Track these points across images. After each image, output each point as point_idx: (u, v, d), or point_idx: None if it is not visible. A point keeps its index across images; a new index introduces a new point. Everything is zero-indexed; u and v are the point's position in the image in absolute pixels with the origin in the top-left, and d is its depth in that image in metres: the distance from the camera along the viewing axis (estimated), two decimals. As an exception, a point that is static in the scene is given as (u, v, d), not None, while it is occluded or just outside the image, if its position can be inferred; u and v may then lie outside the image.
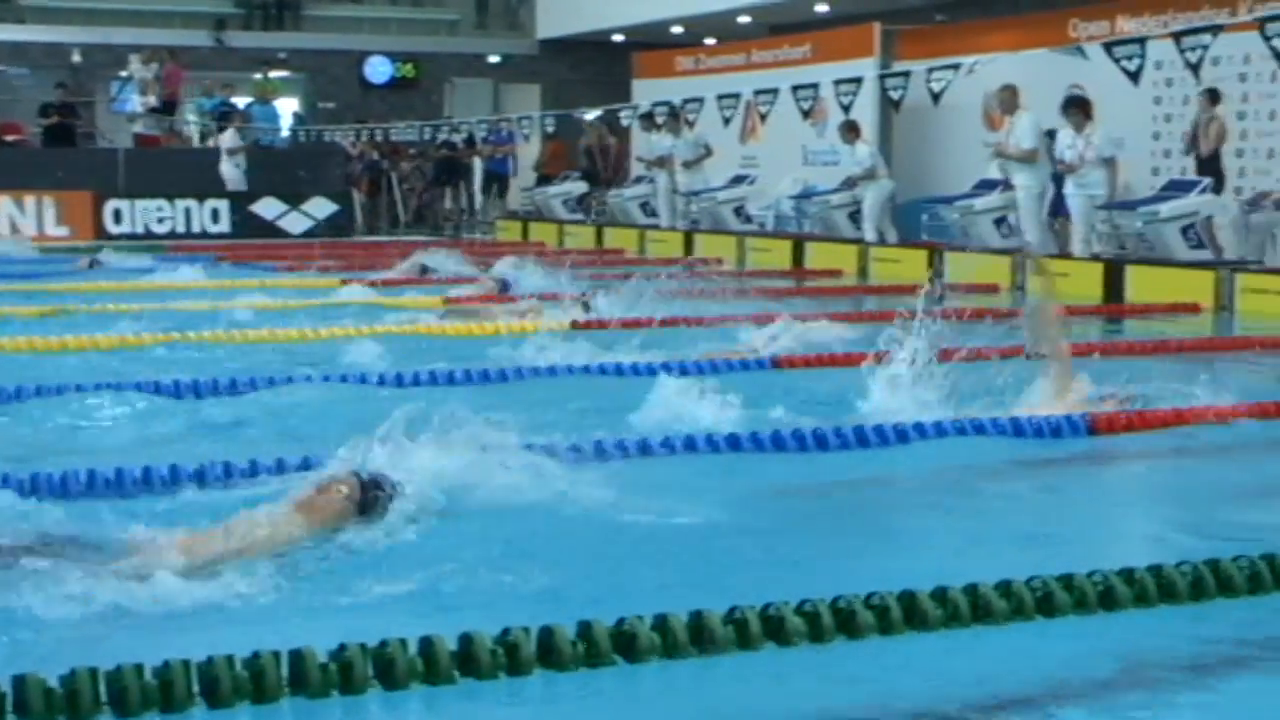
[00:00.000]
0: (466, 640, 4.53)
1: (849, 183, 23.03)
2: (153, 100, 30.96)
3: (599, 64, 37.51)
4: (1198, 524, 6.60)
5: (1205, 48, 15.90)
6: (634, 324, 12.49)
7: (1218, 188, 18.82)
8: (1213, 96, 19.41)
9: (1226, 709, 4.54)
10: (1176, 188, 18.66)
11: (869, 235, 22.17)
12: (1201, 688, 4.64)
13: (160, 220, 26.87)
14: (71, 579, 5.16)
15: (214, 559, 5.54)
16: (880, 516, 6.80)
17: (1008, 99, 20.35)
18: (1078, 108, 19.07)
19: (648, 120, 26.25)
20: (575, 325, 12.93)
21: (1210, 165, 19.26)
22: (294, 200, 27.61)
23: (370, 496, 5.99)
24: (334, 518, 5.93)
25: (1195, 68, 16.15)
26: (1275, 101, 20.19)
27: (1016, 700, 4.49)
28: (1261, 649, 4.96)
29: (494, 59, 38.76)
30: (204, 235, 26.52)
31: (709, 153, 25.89)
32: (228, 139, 28.84)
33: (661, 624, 4.70)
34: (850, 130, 22.46)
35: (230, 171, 28.30)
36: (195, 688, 4.31)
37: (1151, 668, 4.80)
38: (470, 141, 33.09)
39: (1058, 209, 20.17)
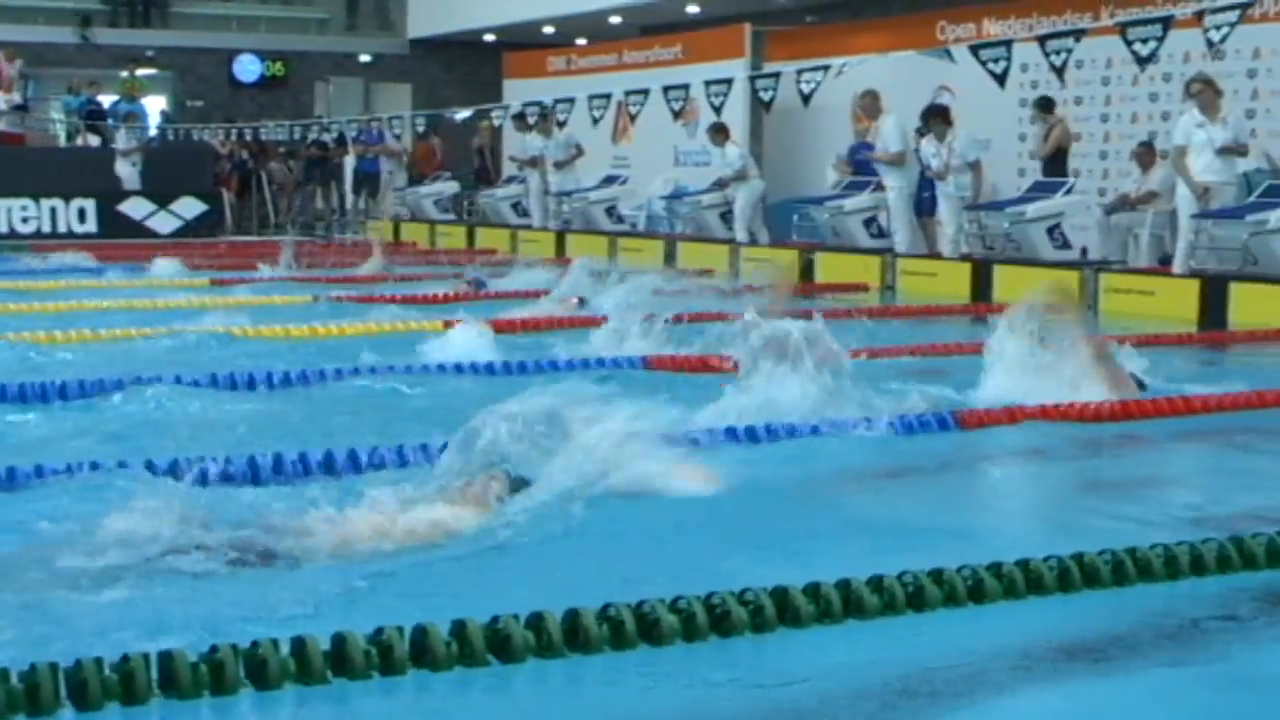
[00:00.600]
0: (339, 640, 4.50)
1: (719, 183, 23.11)
2: (17, 98, 30.49)
3: (470, 64, 37.42)
4: (1063, 518, 6.68)
5: (1069, 51, 16.11)
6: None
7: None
8: (1045, 105, 19.77)
9: (1091, 699, 4.61)
10: (1041, 189, 18.93)
11: (740, 235, 22.27)
12: (1070, 678, 4.70)
13: (25, 220, 26.48)
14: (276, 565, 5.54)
15: (382, 543, 5.91)
16: (759, 517, 6.79)
17: (869, 104, 20.57)
18: (938, 116, 19.28)
19: (520, 120, 26.22)
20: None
21: (1053, 168, 19.61)
22: (162, 200, 27.30)
23: (516, 491, 6.38)
24: (487, 510, 6.30)
25: (1060, 71, 16.36)
26: (1137, 104, 20.53)
27: (888, 693, 4.52)
28: (1125, 639, 5.04)
29: (365, 58, 38.54)
30: (70, 235, 26.10)
31: (580, 152, 25.89)
32: (122, 139, 28.61)
33: (537, 623, 4.69)
34: (718, 132, 22.56)
35: (126, 171, 28.06)
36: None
37: (1021, 659, 4.86)
38: (341, 141, 32.89)
39: (923, 208, 20.37)
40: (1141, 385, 9.51)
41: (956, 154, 18.98)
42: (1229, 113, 16.73)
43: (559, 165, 25.99)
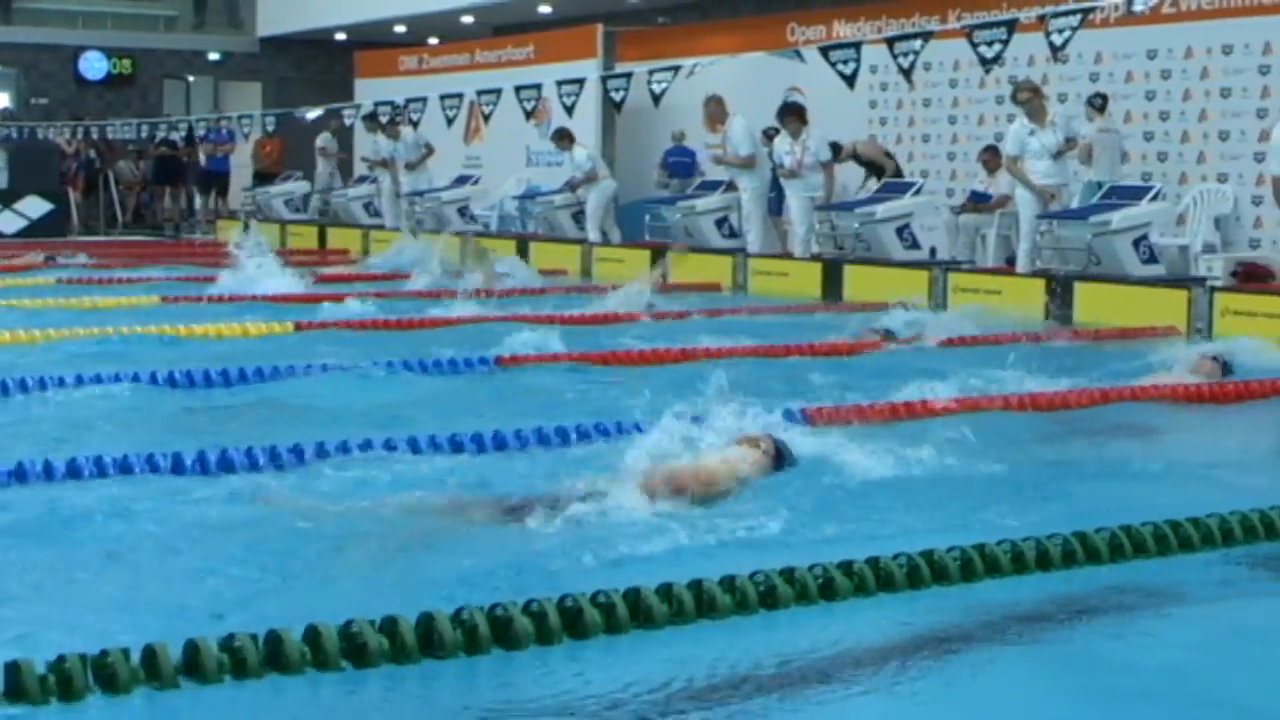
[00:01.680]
0: (191, 647, 4.44)
1: (570, 185, 23.10)
2: None
3: (321, 63, 37.12)
4: (910, 514, 6.75)
5: (916, 53, 16.31)
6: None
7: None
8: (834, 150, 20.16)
9: (939, 689, 4.66)
10: (892, 189, 19.13)
11: (592, 236, 22.28)
12: (920, 673, 4.75)
13: None
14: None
15: (686, 494, 6.46)
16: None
17: (714, 110, 20.53)
18: (794, 114, 19.41)
19: (370, 121, 26.09)
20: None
21: (874, 170, 19.93)
22: (6, 199, 26.84)
23: (783, 456, 6.96)
24: (760, 472, 6.86)
25: (908, 73, 16.56)
26: (984, 106, 20.82)
27: (739, 693, 4.54)
28: (975, 633, 5.11)
29: (214, 56, 38.06)
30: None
31: (430, 151, 25.76)
32: None
33: (390, 626, 4.67)
34: (563, 138, 22.59)
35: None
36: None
37: (870, 654, 4.91)
38: (190, 140, 32.48)
39: (771, 209, 20.51)
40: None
41: (810, 152, 19.13)
42: (1055, 114, 17.02)
43: (410, 166, 25.86)
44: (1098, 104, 18.30)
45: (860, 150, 20.81)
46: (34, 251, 22.09)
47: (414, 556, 5.85)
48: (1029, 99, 16.84)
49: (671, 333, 13.23)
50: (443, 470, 7.34)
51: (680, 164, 24.20)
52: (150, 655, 4.40)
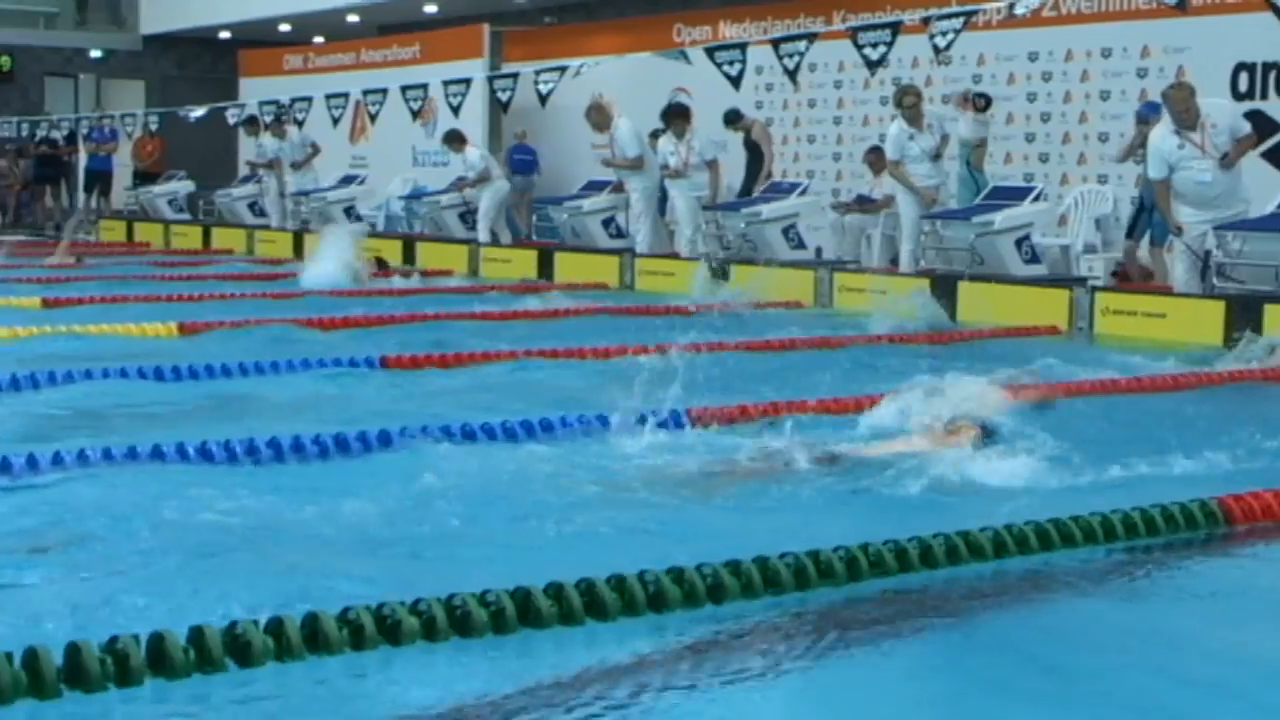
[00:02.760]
0: (73, 650, 4.38)
1: (458, 184, 23.00)
2: None
3: (205, 61, 36.82)
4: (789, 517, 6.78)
5: (801, 54, 16.42)
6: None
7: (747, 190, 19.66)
8: (732, 118, 20.27)
9: (823, 685, 4.70)
10: (778, 190, 19.22)
11: (483, 236, 22.19)
12: (809, 671, 4.77)
13: None
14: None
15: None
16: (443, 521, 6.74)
17: (598, 117, 20.40)
18: (679, 115, 19.46)
19: (250, 126, 25.93)
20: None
21: (754, 167, 20.06)
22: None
23: (988, 438, 7.63)
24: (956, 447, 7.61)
25: (793, 74, 16.66)
26: (869, 107, 21.00)
27: (620, 696, 4.55)
28: (865, 630, 5.14)
29: (96, 54, 37.62)
30: None
31: (316, 150, 25.60)
32: None
33: (276, 627, 4.64)
34: (455, 140, 22.51)
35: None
36: None
37: (761, 655, 4.92)
38: (71, 139, 32.09)
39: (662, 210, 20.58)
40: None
41: (695, 152, 19.19)
42: (930, 116, 17.21)
43: (296, 166, 25.68)
44: (980, 104, 18.54)
45: (755, 134, 20.83)
46: None
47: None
48: (914, 104, 16.98)
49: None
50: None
51: (522, 162, 24.47)
52: (31, 658, 4.34)
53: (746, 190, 20.30)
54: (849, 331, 13.81)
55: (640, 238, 19.87)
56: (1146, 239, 16.29)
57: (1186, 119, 13.98)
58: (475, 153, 22.72)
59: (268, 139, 25.98)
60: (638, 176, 19.85)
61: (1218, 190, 14.05)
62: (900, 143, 16.97)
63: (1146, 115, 16.05)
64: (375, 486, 6.92)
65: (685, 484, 7.15)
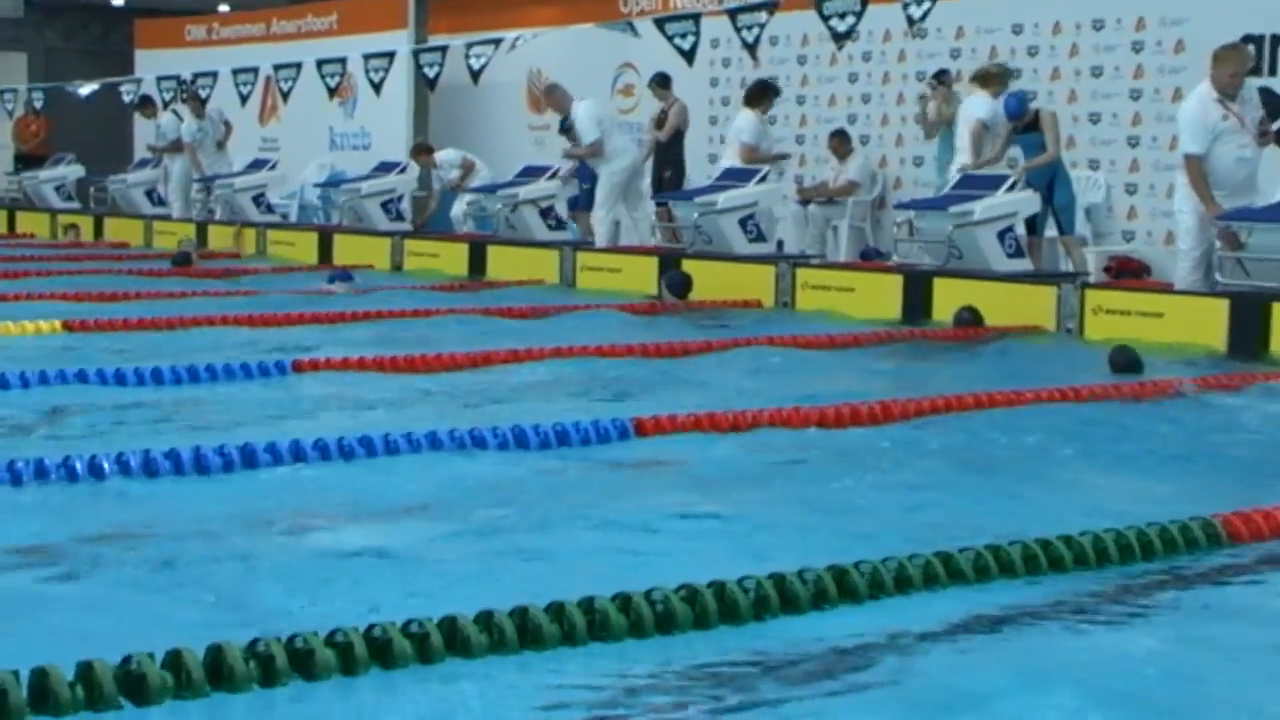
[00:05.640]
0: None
1: (382, 168, 22.93)
2: None
3: (95, 31, 36.65)
4: (750, 534, 6.78)
5: (761, 26, 16.43)
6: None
7: (677, 178, 19.51)
8: (662, 81, 19.99)
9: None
10: (733, 177, 18.97)
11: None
12: (767, 699, 4.77)
13: None
14: None
15: None
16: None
17: (556, 101, 20.06)
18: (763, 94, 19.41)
19: (145, 107, 25.78)
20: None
21: (669, 152, 19.89)
22: None
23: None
24: None
25: (752, 48, 16.66)
26: (835, 85, 20.99)
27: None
28: (826, 659, 5.14)
29: (-30, 22, 37.43)
30: None
31: (230, 129, 25.47)
32: None
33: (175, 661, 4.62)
34: (421, 153, 22.78)
35: None
36: None
37: (717, 684, 4.92)
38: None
39: (578, 203, 20.49)
40: None
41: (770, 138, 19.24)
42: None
43: (220, 145, 25.53)
44: (947, 80, 18.63)
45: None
46: None
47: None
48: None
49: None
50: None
51: None
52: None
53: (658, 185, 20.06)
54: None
55: (601, 231, 19.53)
56: (1052, 231, 16.27)
57: (1234, 87, 13.76)
58: (455, 154, 22.78)
59: (168, 119, 25.81)
60: (604, 164, 19.44)
61: (1249, 170, 13.89)
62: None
63: (1016, 110, 16.15)
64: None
65: None
